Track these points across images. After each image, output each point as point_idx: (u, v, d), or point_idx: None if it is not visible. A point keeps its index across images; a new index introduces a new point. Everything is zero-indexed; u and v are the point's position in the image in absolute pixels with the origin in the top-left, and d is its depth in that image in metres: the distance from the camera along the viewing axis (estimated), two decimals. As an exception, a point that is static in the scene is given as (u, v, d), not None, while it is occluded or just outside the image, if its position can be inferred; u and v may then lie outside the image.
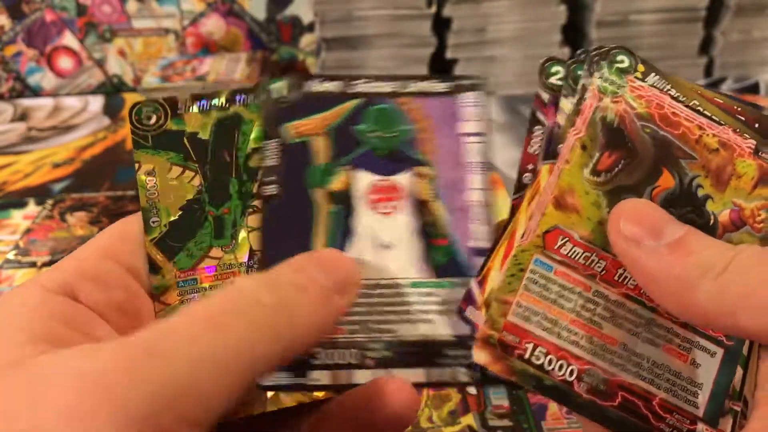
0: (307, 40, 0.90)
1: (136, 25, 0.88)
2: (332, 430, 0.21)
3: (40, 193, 0.67)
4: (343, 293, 0.19)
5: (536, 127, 0.25)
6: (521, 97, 0.83)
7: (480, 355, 0.21)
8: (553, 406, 0.40)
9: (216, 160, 0.23)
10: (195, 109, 0.23)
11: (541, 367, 0.21)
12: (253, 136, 0.23)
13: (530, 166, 0.25)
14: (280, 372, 0.22)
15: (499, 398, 0.41)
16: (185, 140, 0.23)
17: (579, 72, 0.23)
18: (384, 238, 0.24)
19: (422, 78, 0.25)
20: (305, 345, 0.19)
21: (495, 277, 0.22)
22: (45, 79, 0.90)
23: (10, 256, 0.57)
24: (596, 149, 0.22)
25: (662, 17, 0.81)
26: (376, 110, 0.25)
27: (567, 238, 0.21)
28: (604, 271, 0.21)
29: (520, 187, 0.25)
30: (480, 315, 0.22)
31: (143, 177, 0.22)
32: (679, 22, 0.80)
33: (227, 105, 0.23)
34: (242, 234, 0.22)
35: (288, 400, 0.21)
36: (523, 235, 0.22)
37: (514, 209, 0.23)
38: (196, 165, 0.23)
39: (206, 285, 0.22)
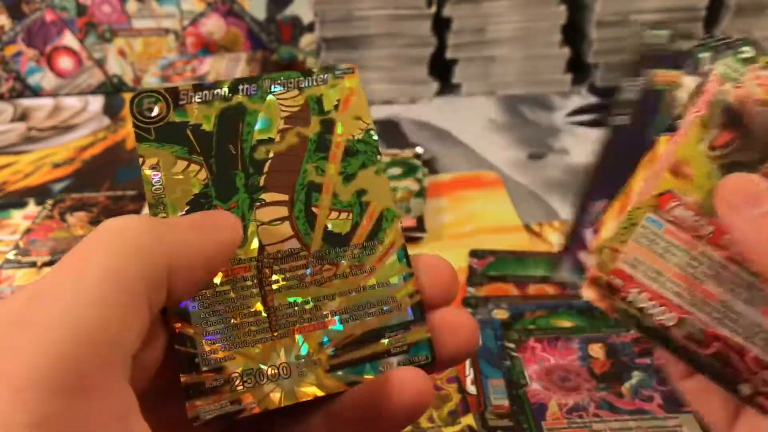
0: (307, 40, 0.90)
1: (136, 25, 0.88)
2: (344, 423, 0.21)
3: (40, 193, 0.67)
4: (222, 231, 0.20)
5: (632, 78, 0.29)
6: (521, 97, 0.83)
7: (588, 293, 0.24)
8: (553, 406, 0.40)
9: (221, 152, 0.22)
10: (197, 99, 0.22)
11: (642, 309, 0.24)
12: (257, 127, 0.22)
13: (622, 111, 0.28)
14: (580, 272, 0.25)
15: (499, 398, 0.41)
16: (189, 132, 0.22)
17: (700, 55, 0.26)
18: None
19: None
20: (186, 266, 0.19)
21: (608, 227, 0.25)
22: (45, 79, 0.90)
23: (10, 256, 0.57)
24: (714, 127, 0.24)
25: (662, 17, 0.81)
26: None
27: (679, 202, 0.24)
28: (710, 234, 0.23)
29: (609, 130, 0.28)
30: (591, 259, 0.25)
31: (148, 172, 0.22)
32: (678, 22, 0.80)
33: (230, 95, 0.23)
34: (251, 228, 0.22)
35: (301, 394, 0.21)
36: (640, 194, 0.24)
37: (623, 165, 0.26)
38: (201, 158, 0.22)
39: (216, 280, 0.21)
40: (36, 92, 0.90)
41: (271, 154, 0.22)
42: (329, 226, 0.22)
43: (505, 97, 0.84)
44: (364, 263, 0.22)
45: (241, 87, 0.23)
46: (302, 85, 0.23)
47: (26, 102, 0.88)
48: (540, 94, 0.84)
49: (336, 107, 0.23)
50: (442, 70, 0.84)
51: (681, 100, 0.26)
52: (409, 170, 0.66)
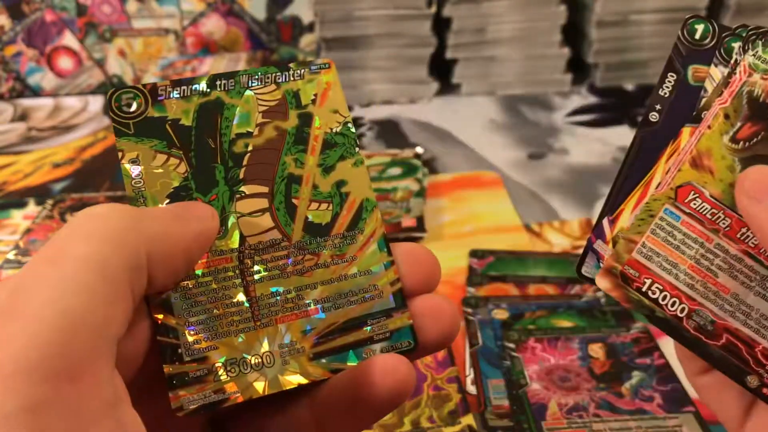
0: (307, 40, 0.90)
1: (136, 25, 0.88)
2: (328, 410, 0.22)
3: (40, 193, 0.67)
4: (200, 221, 0.20)
5: (670, 73, 0.27)
6: (521, 97, 0.83)
7: (602, 282, 0.24)
8: (553, 406, 0.40)
9: (200, 146, 0.22)
10: (176, 95, 0.23)
11: (655, 300, 0.24)
12: (236, 122, 0.23)
13: (657, 107, 0.27)
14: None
15: (499, 398, 0.41)
16: (168, 127, 0.22)
17: (732, 44, 0.26)
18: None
19: None
20: (165, 254, 0.19)
21: (626, 218, 0.25)
22: (45, 79, 0.90)
23: (10, 256, 0.57)
24: (738, 119, 0.24)
25: (662, 17, 0.81)
26: None
27: (698, 194, 0.24)
28: (728, 228, 0.23)
29: (645, 123, 0.27)
30: (607, 248, 0.25)
31: (127, 166, 0.22)
32: (678, 22, 0.80)
33: (208, 90, 0.23)
34: (231, 220, 0.22)
35: (285, 383, 0.21)
36: (659, 185, 0.24)
37: (655, 161, 0.26)
38: (181, 152, 0.22)
39: (198, 272, 0.21)
40: (36, 92, 0.90)
41: (250, 148, 0.23)
42: (309, 217, 0.23)
43: (505, 97, 0.84)
44: (345, 252, 0.23)
45: (218, 82, 0.23)
46: (279, 80, 0.23)
47: (26, 102, 0.88)
48: (540, 94, 0.84)
49: (313, 101, 0.24)
50: (442, 70, 0.84)
51: (708, 90, 0.26)
52: (409, 170, 0.66)
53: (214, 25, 0.89)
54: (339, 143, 0.23)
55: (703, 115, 0.25)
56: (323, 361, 0.21)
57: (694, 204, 0.24)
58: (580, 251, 0.26)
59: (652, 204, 0.24)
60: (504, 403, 0.41)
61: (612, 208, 0.27)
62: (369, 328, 0.22)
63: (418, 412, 0.40)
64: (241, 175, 0.22)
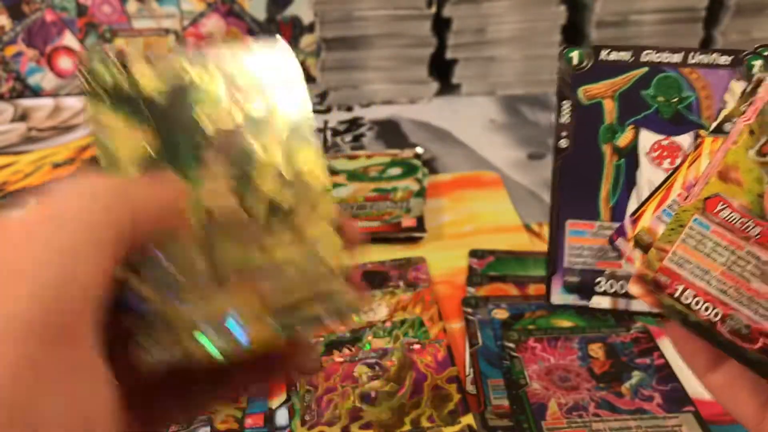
0: (307, 41, 0.90)
1: (136, 25, 0.89)
2: (252, 370, 0.25)
3: (41, 193, 0.67)
4: (174, 192, 0.22)
5: (563, 101, 0.30)
6: (521, 97, 0.83)
7: (634, 288, 0.25)
8: (553, 406, 0.40)
9: (171, 122, 0.24)
10: (149, 71, 0.24)
11: (688, 306, 0.25)
12: (206, 102, 0.24)
13: (564, 134, 0.29)
14: (569, 294, 0.28)
15: (499, 398, 0.42)
16: (141, 101, 0.24)
17: (753, 62, 0.28)
18: None
19: (705, 51, 0.29)
20: (142, 222, 0.21)
21: (647, 218, 0.26)
22: (45, 79, 0.90)
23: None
24: (764, 135, 0.25)
25: (662, 17, 0.81)
26: (662, 78, 0.29)
27: (726, 205, 0.25)
28: (758, 236, 0.24)
29: (558, 152, 0.29)
30: (628, 246, 0.26)
31: (99, 135, 0.23)
32: (678, 22, 0.80)
33: (183, 71, 0.24)
34: (197, 194, 0.24)
35: (241, 346, 0.23)
36: (687, 197, 0.25)
37: (675, 167, 0.27)
38: (152, 126, 0.24)
39: (165, 239, 0.23)
40: (36, 92, 0.90)
41: (218, 128, 0.24)
42: (271, 198, 0.24)
43: (504, 97, 0.84)
44: (301, 233, 0.24)
45: (193, 64, 0.24)
46: (251, 68, 0.25)
47: (26, 102, 0.88)
48: (540, 94, 0.84)
49: (281, 94, 0.25)
50: (442, 71, 0.84)
51: (729, 104, 0.27)
52: (408, 170, 0.66)
53: (214, 26, 0.89)
54: (301, 132, 0.25)
55: (724, 127, 0.26)
56: (275, 329, 0.23)
57: (723, 214, 0.25)
58: None
59: (682, 215, 0.25)
60: (504, 403, 0.41)
61: (559, 237, 0.29)
62: (319, 303, 0.24)
63: (419, 411, 0.40)
64: (208, 154, 0.24)
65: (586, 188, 0.29)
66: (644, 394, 0.41)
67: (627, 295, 0.28)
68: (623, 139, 0.29)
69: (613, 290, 0.29)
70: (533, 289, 0.51)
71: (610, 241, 0.27)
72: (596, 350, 0.44)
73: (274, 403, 0.42)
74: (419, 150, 0.69)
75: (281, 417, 0.42)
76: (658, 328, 0.46)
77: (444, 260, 0.54)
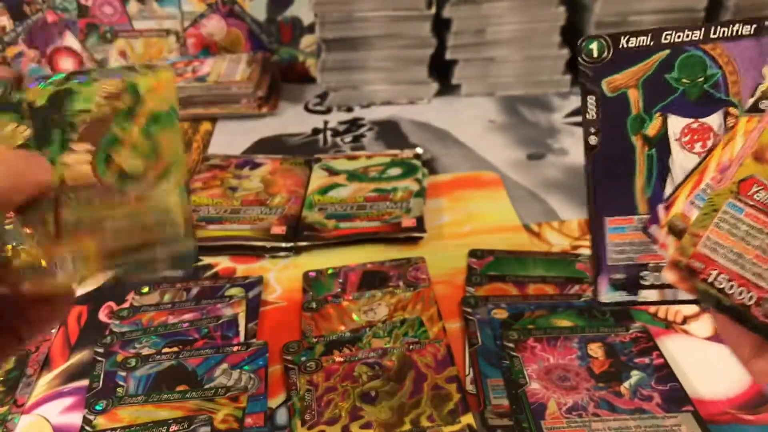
0: (307, 41, 0.91)
1: (137, 26, 0.89)
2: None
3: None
4: (38, 165, 0.26)
5: (588, 96, 0.29)
6: (521, 98, 0.84)
7: (669, 275, 0.25)
8: (552, 405, 0.40)
9: (46, 119, 0.28)
10: (38, 84, 0.29)
11: (722, 290, 0.25)
12: (79, 101, 0.28)
13: (592, 130, 0.29)
14: (617, 291, 0.28)
15: (498, 397, 0.42)
16: (24, 105, 0.29)
17: None
18: None
19: (726, 23, 0.28)
20: (8, 189, 0.24)
21: (680, 204, 0.26)
22: (46, 79, 0.90)
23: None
24: None
25: (661, 18, 0.81)
26: (685, 58, 0.28)
27: (762, 187, 0.24)
28: None
29: (588, 149, 0.29)
30: (661, 233, 0.27)
31: None
32: (678, 22, 0.81)
33: (64, 81, 0.29)
34: (58, 167, 0.27)
35: (77, 279, 0.27)
36: (720, 180, 0.25)
37: (709, 149, 0.27)
38: (29, 122, 0.28)
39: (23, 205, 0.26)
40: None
41: (87, 120, 0.28)
42: (124, 168, 0.28)
43: (504, 97, 0.84)
44: (149, 194, 0.28)
45: (73, 76, 0.29)
46: (124, 76, 0.29)
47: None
48: (539, 95, 0.84)
49: (148, 91, 0.29)
50: (441, 71, 0.84)
51: (766, 80, 0.27)
52: (408, 170, 0.66)
53: (214, 26, 0.90)
54: (163, 120, 0.29)
55: (760, 104, 0.26)
56: (113, 269, 0.27)
57: (758, 196, 0.24)
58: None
59: (715, 199, 0.25)
60: (503, 403, 0.41)
61: (599, 236, 0.29)
62: (159, 248, 0.27)
63: (418, 411, 0.41)
64: (74, 138, 0.28)
65: (621, 183, 0.29)
66: (643, 394, 0.41)
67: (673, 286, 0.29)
68: (652, 128, 0.29)
69: (659, 282, 0.29)
70: (532, 289, 0.51)
71: (643, 228, 0.27)
72: (595, 350, 0.45)
73: (274, 402, 0.43)
74: (419, 150, 0.70)
75: (281, 416, 0.42)
76: (657, 327, 0.47)
77: (443, 260, 0.55)
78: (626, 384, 0.42)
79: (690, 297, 0.26)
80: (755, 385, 0.42)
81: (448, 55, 0.83)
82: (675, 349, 0.45)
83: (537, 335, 0.46)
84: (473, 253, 0.55)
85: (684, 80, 0.29)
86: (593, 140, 0.29)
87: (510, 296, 0.50)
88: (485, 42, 0.82)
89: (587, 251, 0.54)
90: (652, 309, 0.48)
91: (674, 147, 0.29)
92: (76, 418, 0.42)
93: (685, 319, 0.47)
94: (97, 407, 0.42)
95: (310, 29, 0.89)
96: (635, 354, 0.44)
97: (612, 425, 0.39)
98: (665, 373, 0.42)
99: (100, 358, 0.46)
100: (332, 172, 0.67)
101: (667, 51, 0.29)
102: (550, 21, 0.81)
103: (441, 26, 0.82)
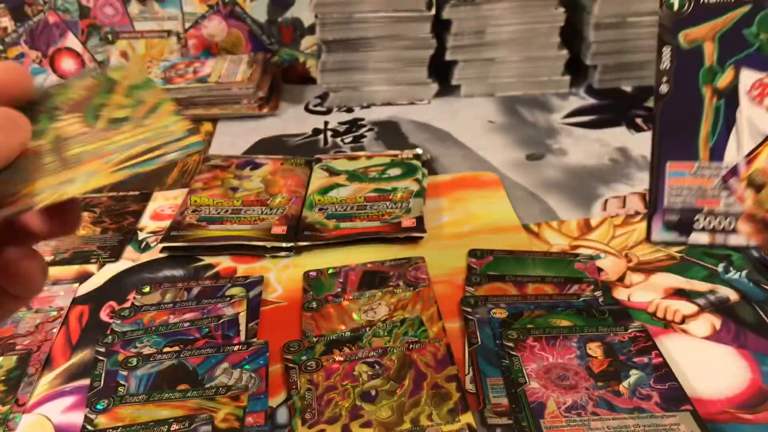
0: (307, 42, 0.91)
1: (138, 27, 0.89)
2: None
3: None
4: (21, 120, 0.28)
5: (664, 47, 0.30)
6: (520, 98, 0.84)
7: (744, 227, 0.26)
8: (551, 405, 0.41)
9: (32, 110, 0.30)
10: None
11: None
12: (63, 95, 0.31)
13: (664, 79, 0.30)
14: (669, 232, 0.30)
15: (498, 397, 0.42)
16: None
17: None
18: (764, 128, 0.28)
19: None
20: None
21: (762, 159, 0.27)
22: (48, 80, 0.90)
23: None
24: None
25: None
26: (766, 14, 0.29)
27: None
28: None
29: (658, 98, 0.30)
30: (740, 185, 0.27)
31: None
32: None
33: (50, 92, 0.31)
34: (50, 131, 0.29)
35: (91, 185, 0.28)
36: None
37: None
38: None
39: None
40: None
41: (70, 102, 0.31)
42: (112, 116, 0.30)
43: (504, 98, 0.84)
44: (144, 123, 0.30)
45: (52, 88, 0.31)
46: (97, 75, 0.31)
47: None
48: (539, 96, 0.84)
49: (122, 77, 0.31)
50: (441, 72, 0.85)
51: None
52: (408, 171, 0.66)
53: (215, 27, 0.90)
54: (142, 85, 0.31)
55: None
56: (125, 170, 0.28)
57: None
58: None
59: None
60: (503, 402, 0.41)
61: (659, 179, 0.30)
62: (164, 142, 0.29)
63: (418, 410, 0.41)
64: (60, 115, 0.30)
65: (686, 130, 0.29)
66: (642, 393, 0.41)
67: (724, 231, 0.29)
68: (723, 80, 0.29)
69: (711, 226, 0.30)
70: (532, 289, 0.51)
71: (722, 180, 0.28)
72: (595, 349, 0.45)
73: (275, 401, 0.43)
74: (419, 151, 0.70)
75: (281, 415, 0.42)
76: (656, 327, 0.47)
77: (443, 260, 0.55)
78: (625, 383, 0.42)
79: (739, 244, 0.27)
80: (754, 384, 0.43)
81: (448, 56, 0.83)
82: (674, 348, 0.45)
83: (536, 335, 0.46)
84: (473, 253, 0.55)
85: (762, 36, 0.29)
86: (664, 89, 0.29)
87: (509, 296, 0.50)
88: (485, 43, 0.82)
89: (586, 251, 0.55)
90: (650, 309, 0.49)
91: (743, 100, 0.29)
92: (77, 418, 0.42)
93: (684, 319, 0.48)
94: (99, 406, 0.42)
95: (311, 30, 0.89)
96: (634, 353, 0.44)
97: (611, 424, 0.39)
98: (664, 372, 0.43)
99: (101, 358, 0.46)
100: (332, 172, 0.67)
101: (749, 6, 0.29)
102: (549, 22, 0.81)
103: (441, 27, 0.82)
